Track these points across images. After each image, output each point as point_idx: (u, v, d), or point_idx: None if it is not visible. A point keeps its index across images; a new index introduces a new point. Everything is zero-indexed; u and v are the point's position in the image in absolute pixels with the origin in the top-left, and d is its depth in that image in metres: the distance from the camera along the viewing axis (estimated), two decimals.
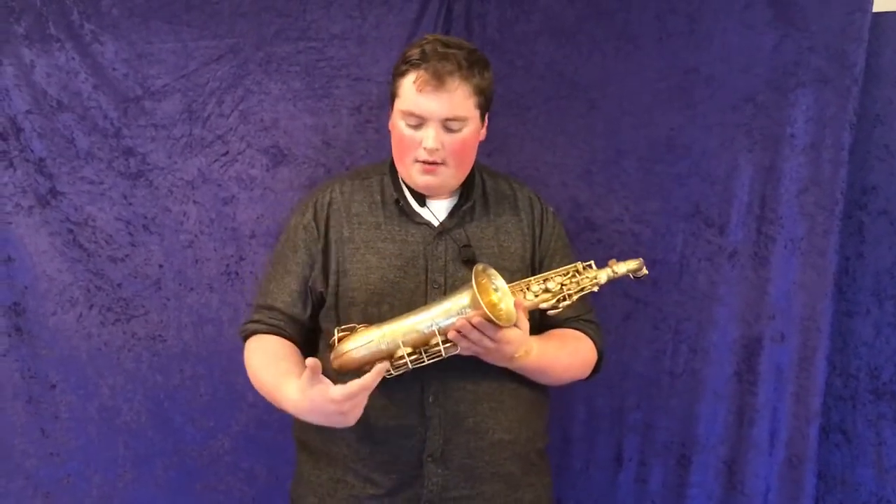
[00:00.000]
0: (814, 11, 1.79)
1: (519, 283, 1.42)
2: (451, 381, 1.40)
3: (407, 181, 1.47)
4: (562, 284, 1.42)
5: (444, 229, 1.47)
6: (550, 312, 1.42)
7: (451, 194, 1.51)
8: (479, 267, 1.33)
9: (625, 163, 1.91)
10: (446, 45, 1.39)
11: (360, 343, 1.35)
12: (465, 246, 1.46)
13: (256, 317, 1.52)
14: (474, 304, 1.30)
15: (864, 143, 1.83)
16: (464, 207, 1.49)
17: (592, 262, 1.46)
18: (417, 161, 1.42)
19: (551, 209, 1.59)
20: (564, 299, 1.41)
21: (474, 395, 1.43)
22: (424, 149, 1.40)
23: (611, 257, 1.45)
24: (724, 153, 1.87)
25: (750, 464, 1.90)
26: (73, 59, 1.82)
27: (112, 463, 1.91)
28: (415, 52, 1.39)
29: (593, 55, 1.90)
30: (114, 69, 1.83)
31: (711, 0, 1.84)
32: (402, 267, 1.44)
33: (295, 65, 1.87)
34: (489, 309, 1.29)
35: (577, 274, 1.44)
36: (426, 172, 1.42)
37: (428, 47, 1.38)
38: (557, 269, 1.45)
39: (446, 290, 1.43)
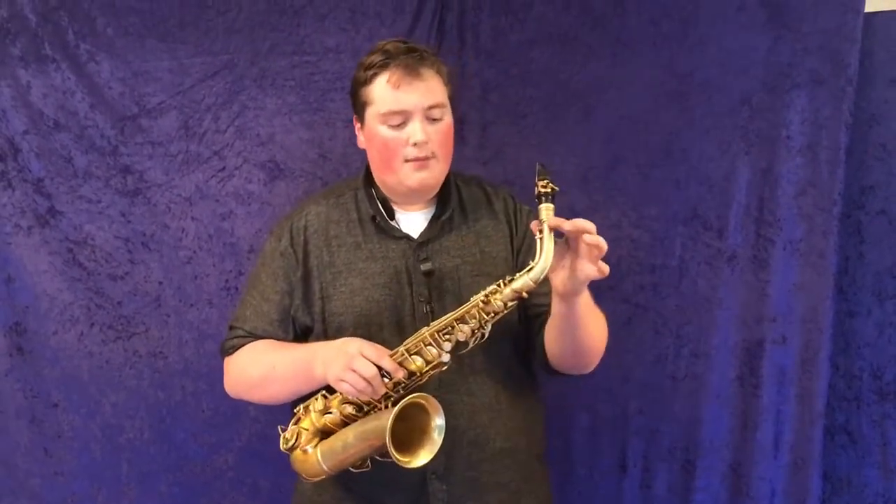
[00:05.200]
0: (807, 13, 1.79)
1: (427, 337, 1.32)
2: (448, 396, 1.38)
3: (398, 187, 1.44)
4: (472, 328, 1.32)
5: (423, 241, 1.46)
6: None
7: (426, 204, 1.49)
8: (423, 399, 1.29)
9: (622, 168, 1.91)
10: (404, 43, 1.40)
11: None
12: (424, 260, 1.43)
13: (239, 333, 1.49)
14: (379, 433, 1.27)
15: (861, 143, 1.83)
16: (442, 218, 1.47)
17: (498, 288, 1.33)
18: (407, 161, 1.39)
19: (526, 208, 1.55)
20: (481, 338, 1.34)
21: (472, 408, 1.42)
22: (413, 144, 1.38)
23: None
24: (721, 156, 1.87)
25: (755, 467, 1.89)
26: (70, 78, 1.82)
27: (116, 480, 1.91)
28: (376, 57, 1.38)
29: (588, 61, 1.90)
30: (110, 88, 1.84)
31: (705, 4, 1.85)
32: (385, 284, 1.43)
33: (290, 79, 1.87)
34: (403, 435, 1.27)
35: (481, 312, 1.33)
36: (419, 169, 1.40)
37: (389, 47, 1.38)
38: (457, 311, 1.33)
39: (432, 301, 1.42)
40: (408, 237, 1.46)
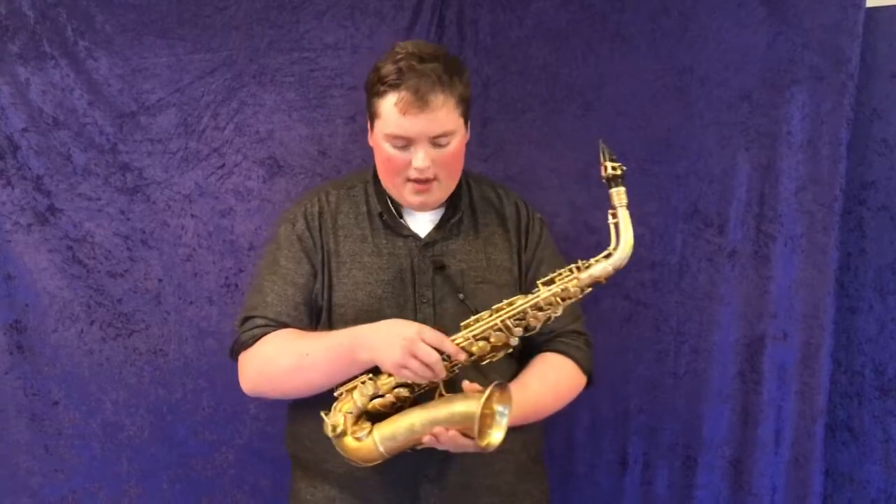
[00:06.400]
0: (807, 8, 1.78)
1: (497, 323, 1.34)
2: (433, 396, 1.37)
3: (398, 200, 1.44)
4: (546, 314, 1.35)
5: (430, 241, 1.45)
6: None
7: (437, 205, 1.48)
8: (497, 389, 1.29)
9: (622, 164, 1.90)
10: (421, 59, 1.33)
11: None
12: (436, 257, 1.43)
13: (259, 322, 1.43)
14: (470, 425, 1.27)
15: (862, 138, 1.82)
16: (452, 221, 1.46)
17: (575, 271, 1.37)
18: (409, 181, 1.38)
19: (538, 216, 1.55)
20: (549, 319, 1.37)
21: None
22: (415, 168, 1.36)
23: None
24: (721, 152, 1.86)
25: (756, 464, 1.89)
26: (68, 75, 1.82)
27: (116, 478, 1.91)
28: (390, 72, 1.33)
29: (587, 57, 1.89)
30: (109, 85, 1.83)
31: None
32: (389, 281, 1.42)
33: (289, 75, 1.87)
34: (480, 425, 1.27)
35: (557, 301, 1.35)
36: (419, 192, 1.39)
37: (403, 64, 1.32)
38: (532, 299, 1.35)
39: (434, 303, 1.41)
40: (415, 236, 1.45)
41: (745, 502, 1.91)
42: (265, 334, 1.42)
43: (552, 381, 1.46)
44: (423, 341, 1.28)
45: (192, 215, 1.88)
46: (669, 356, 1.92)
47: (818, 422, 1.84)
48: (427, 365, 1.27)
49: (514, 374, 1.46)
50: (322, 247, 1.45)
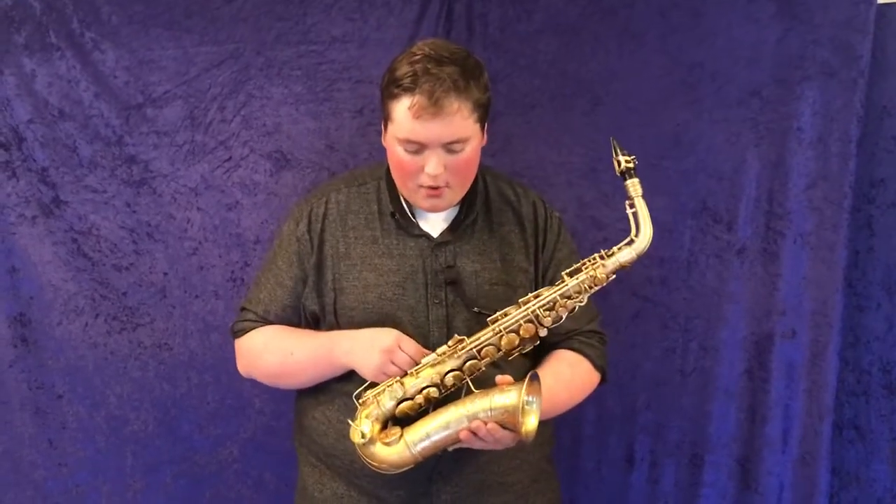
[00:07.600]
0: (818, 4, 1.77)
1: (528, 314, 1.34)
2: (459, 396, 1.36)
3: (410, 201, 1.42)
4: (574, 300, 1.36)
5: (443, 241, 1.42)
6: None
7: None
8: (534, 382, 1.29)
9: None
10: (438, 63, 1.28)
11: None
12: (448, 267, 1.41)
13: (250, 316, 1.49)
14: (511, 416, 1.27)
15: (872, 135, 1.81)
16: (466, 222, 1.43)
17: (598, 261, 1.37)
18: (421, 186, 1.35)
19: (556, 214, 1.53)
20: (575, 309, 1.37)
21: None
22: (427, 175, 1.33)
23: None
24: (730, 148, 1.85)
25: (763, 462, 1.88)
26: (74, 67, 1.81)
27: (120, 472, 1.91)
28: (405, 74, 1.28)
29: (597, 52, 1.88)
30: (115, 77, 1.82)
31: None
32: (400, 283, 1.40)
33: (296, 69, 1.86)
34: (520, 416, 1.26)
35: (586, 289, 1.36)
36: (431, 197, 1.36)
37: (419, 67, 1.27)
38: (561, 288, 1.35)
39: (447, 304, 1.40)
40: (427, 236, 1.42)
41: (752, 501, 1.91)
42: (254, 328, 1.49)
43: (566, 378, 1.45)
44: (401, 349, 1.33)
45: (198, 208, 1.87)
46: (677, 353, 1.92)
47: (825, 420, 1.83)
48: (402, 369, 1.33)
49: (527, 372, 1.45)
50: (319, 251, 1.44)
